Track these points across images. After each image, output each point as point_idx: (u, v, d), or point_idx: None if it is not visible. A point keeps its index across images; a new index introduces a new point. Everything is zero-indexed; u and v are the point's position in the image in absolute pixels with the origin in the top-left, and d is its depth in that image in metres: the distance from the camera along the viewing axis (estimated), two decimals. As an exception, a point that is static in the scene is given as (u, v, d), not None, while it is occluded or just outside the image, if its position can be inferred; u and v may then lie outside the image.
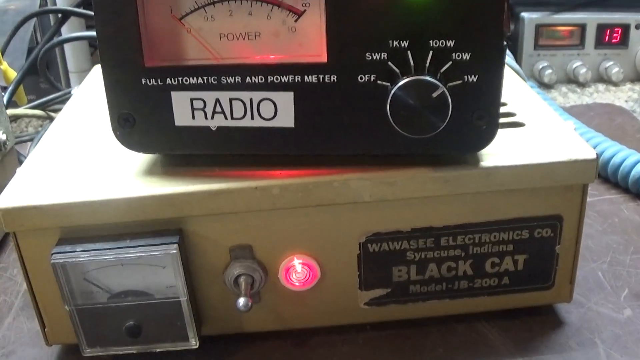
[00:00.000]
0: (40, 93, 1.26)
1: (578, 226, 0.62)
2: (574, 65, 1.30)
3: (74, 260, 0.57)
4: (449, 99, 0.52)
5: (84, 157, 0.63)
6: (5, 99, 1.04)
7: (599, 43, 1.30)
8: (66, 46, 1.29)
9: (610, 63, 1.30)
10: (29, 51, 1.22)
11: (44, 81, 1.23)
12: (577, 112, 1.10)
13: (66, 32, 1.24)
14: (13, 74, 1.15)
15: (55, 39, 1.18)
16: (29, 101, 1.20)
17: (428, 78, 0.52)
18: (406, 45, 0.52)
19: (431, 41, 0.52)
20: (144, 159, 0.61)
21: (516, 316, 0.66)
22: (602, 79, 1.32)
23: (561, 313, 0.67)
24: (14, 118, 1.17)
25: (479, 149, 0.57)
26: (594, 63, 1.31)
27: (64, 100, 1.15)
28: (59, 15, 1.22)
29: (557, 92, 1.29)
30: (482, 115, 0.54)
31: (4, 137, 0.85)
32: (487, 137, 0.56)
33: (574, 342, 0.63)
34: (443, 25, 0.52)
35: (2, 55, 1.15)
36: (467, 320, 0.66)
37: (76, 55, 1.30)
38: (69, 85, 1.31)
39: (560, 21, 1.29)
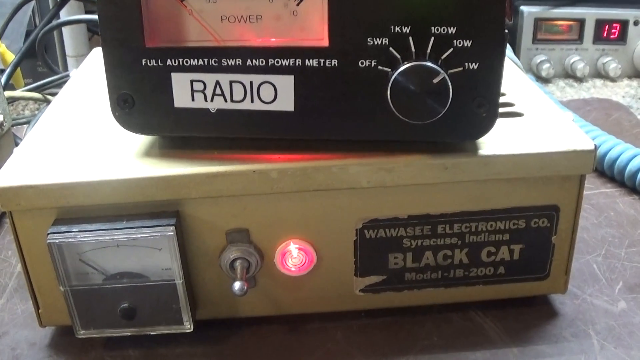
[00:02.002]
0: (37, 76, 1.26)
1: (574, 217, 0.62)
2: (572, 60, 1.30)
3: (69, 240, 0.57)
4: (450, 85, 0.52)
5: (81, 138, 0.63)
6: (2, 81, 1.04)
7: (598, 38, 1.30)
8: (64, 30, 1.29)
9: (608, 59, 1.30)
10: (27, 34, 1.22)
11: (42, 64, 1.22)
12: (574, 107, 1.10)
13: (65, 15, 1.24)
14: (11, 57, 1.15)
15: (54, 22, 1.17)
16: (26, 84, 1.20)
17: (429, 64, 0.52)
18: (408, 30, 0.52)
19: (433, 27, 0.52)
20: (142, 140, 0.61)
21: (511, 306, 0.66)
22: (600, 74, 1.32)
23: (555, 304, 0.67)
24: (11, 100, 1.17)
25: (478, 137, 0.57)
26: (592, 58, 1.31)
27: (61, 83, 1.15)
28: (58, -1, 1.22)
29: (554, 87, 1.29)
30: (482, 103, 0.54)
31: (0, 118, 0.85)
32: (486, 125, 0.56)
33: (568, 333, 0.63)
34: (445, 11, 0.52)
35: (0, 37, 1.15)
36: (462, 309, 0.66)
37: (74, 39, 1.30)
38: (66, 69, 1.31)
39: (559, 15, 1.29)
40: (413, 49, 0.53)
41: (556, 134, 0.60)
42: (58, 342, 0.65)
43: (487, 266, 0.63)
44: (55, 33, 1.28)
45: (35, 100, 1.16)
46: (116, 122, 0.58)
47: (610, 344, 0.62)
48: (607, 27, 1.29)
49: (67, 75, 1.11)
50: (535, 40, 1.30)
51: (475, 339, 0.63)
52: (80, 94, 0.74)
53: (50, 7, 1.23)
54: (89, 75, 0.79)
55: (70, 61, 1.31)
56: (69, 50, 1.31)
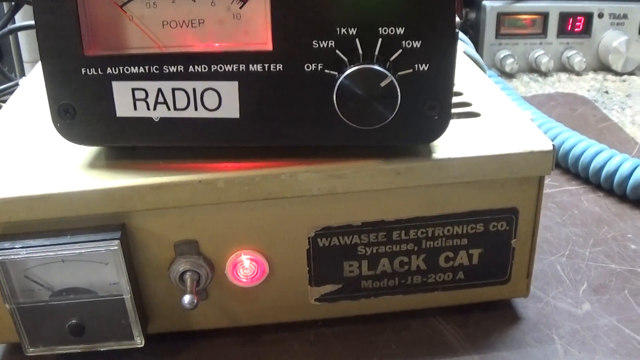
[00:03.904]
0: (-7, 83, 1.23)
1: (534, 219, 0.61)
2: (536, 54, 1.29)
3: (13, 257, 0.55)
4: (398, 89, 0.51)
5: (25, 150, 0.61)
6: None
7: (562, 32, 1.29)
8: (20, 35, 1.27)
9: (573, 52, 1.29)
10: (-19, 40, 1.20)
11: (-5, 71, 1.21)
12: (538, 102, 1.10)
13: (20, 20, 1.22)
14: (-36, 64, 1.13)
15: (8, 27, 1.15)
16: (-19, 91, 1.18)
17: (375, 67, 0.50)
18: (354, 32, 0.51)
19: (380, 28, 0.51)
20: (87, 151, 0.59)
21: (472, 311, 0.65)
22: (565, 68, 1.31)
23: (518, 308, 0.66)
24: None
25: (431, 140, 0.55)
26: (556, 52, 1.30)
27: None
28: (12, 3, 1.19)
29: (518, 82, 1.28)
30: (433, 106, 0.53)
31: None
32: (439, 128, 0.54)
33: (531, 338, 0.62)
34: (393, 11, 0.50)
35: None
36: (422, 316, 0.65)
37: (31, 45, 1.28)
38: (23, 75, 1.29)
39: (522, 9, 1.28)
40: (360, 51, 0.51)
41: (514, 135, 0.59)
42: (7, 360, 0.63)
43: (445, 272, 0.62)
44: (11, 38, 1.26)
45: (-10, 108, 1.14)
46: (58, 133, 0.56)
47: (574, 348, 0.61)
48: (571, 20, 1.28)
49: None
50: (498, 35, 1.29)
51: (436, 346, 0.62)
52: (27, 104, 0.72)
53: (5, 11, 1.21)
54: (37, 84, 0.77)
55: (27, 67, 1.29)
56: (25, 56, 1.29)
